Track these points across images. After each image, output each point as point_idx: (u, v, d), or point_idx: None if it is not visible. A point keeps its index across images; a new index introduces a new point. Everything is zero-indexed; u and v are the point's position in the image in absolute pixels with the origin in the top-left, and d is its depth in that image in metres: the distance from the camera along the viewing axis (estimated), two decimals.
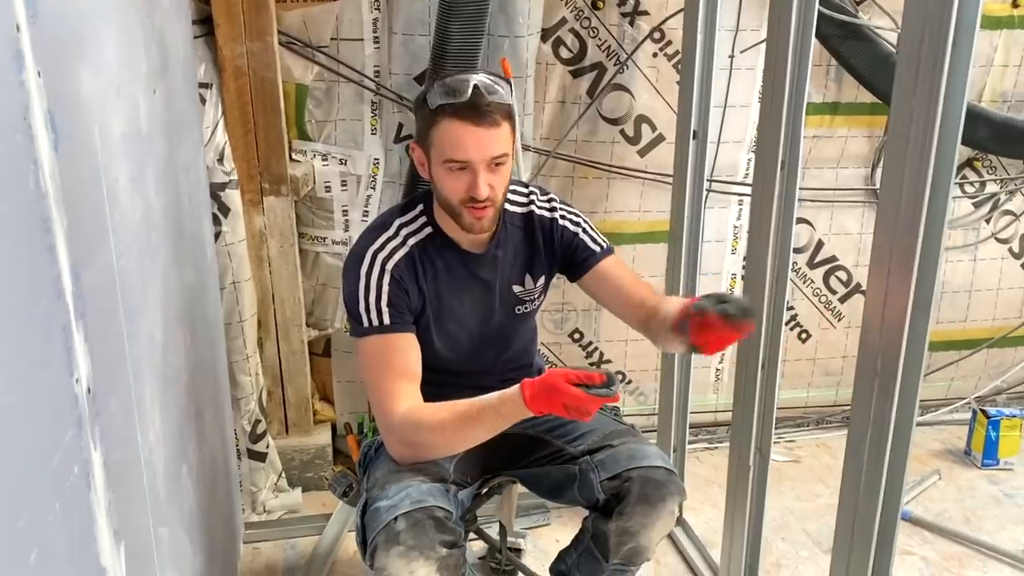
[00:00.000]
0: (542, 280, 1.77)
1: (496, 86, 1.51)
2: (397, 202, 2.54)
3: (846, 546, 1.55)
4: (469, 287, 1.69)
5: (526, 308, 1.77)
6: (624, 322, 1.79)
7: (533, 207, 1.74)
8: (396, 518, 1.44)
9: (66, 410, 0.82)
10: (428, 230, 1.66)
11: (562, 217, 1.75)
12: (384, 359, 1.59)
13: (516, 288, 1.74)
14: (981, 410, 2.84)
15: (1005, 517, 2.54)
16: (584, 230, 1.76)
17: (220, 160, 2.21)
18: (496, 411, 1.47)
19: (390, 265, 1.60)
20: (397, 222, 1.66)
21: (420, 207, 1.68)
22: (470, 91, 1.48)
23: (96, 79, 1.03)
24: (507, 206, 1.69)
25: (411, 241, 1.64)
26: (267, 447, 2.48)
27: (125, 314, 1.11)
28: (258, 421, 2.43)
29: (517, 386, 1.43)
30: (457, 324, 1.70)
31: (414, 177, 2.35)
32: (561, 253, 1.75)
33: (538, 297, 1.78)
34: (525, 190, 1.76)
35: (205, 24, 2.20)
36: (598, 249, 1.76)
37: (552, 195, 1.78)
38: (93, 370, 0.90)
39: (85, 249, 0.91)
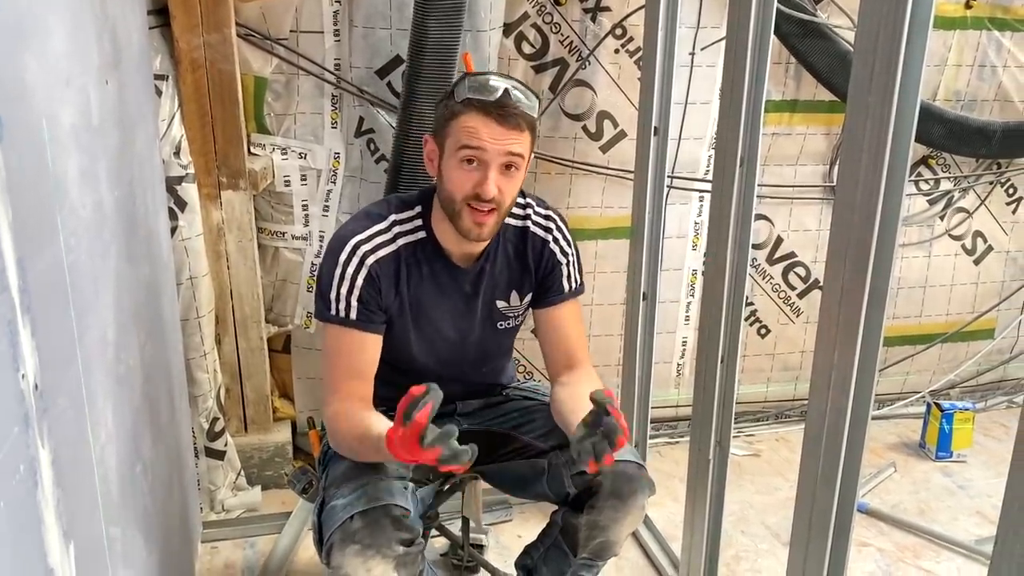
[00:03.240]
0: (528, 297, 1.75)
1: (525, 97, 1.50)
2: (358, 197, 2.53)
3: (804, 538, 1.57)
4: (451, 299, 1.68)
5: (508, 324, 1.76)
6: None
7: (529, 222, 1.71)
8: (352, 516, 1.43)
9: (11, 406, 0.80)
10: (421, 234, 1.63)
11: (554, 241, 1.72)
12: (342, 354, 1.59)
13: (500, 304, 1.72)
14: (935, 404, 2.89)
15: (958, 508, 2.59)
16: (568, 263, 1.74)
17: (176, 153, 2.17)
18: (376, 445, 1.39)
19: (370, 260, 1.58)
20: (392, 218, 1.63)
21: (419, 208, 1.65)
22: (500, 93, 1.47)
23: (43, 68, 1.00)
24: None
25: (401, 241, 1.62)
26: (225, 445, 2.45)
27: (76, 309, 1.08)
28: (216, 419, 2.40)
29: (386, 431, 1.34)
30: (435, 331, 1.69)
31: (397, 170, 2.30)
32: (538, 276, 1.74)
33: (522, 313, 1.77)
34: (523, 200, 1.71)
35: (161, 15, 2.15)
36: (567, 289, 1.74)
37: (551, 211, 1.75)
38: (41, 366, 0.88)
39: (32, 242, 0.89)
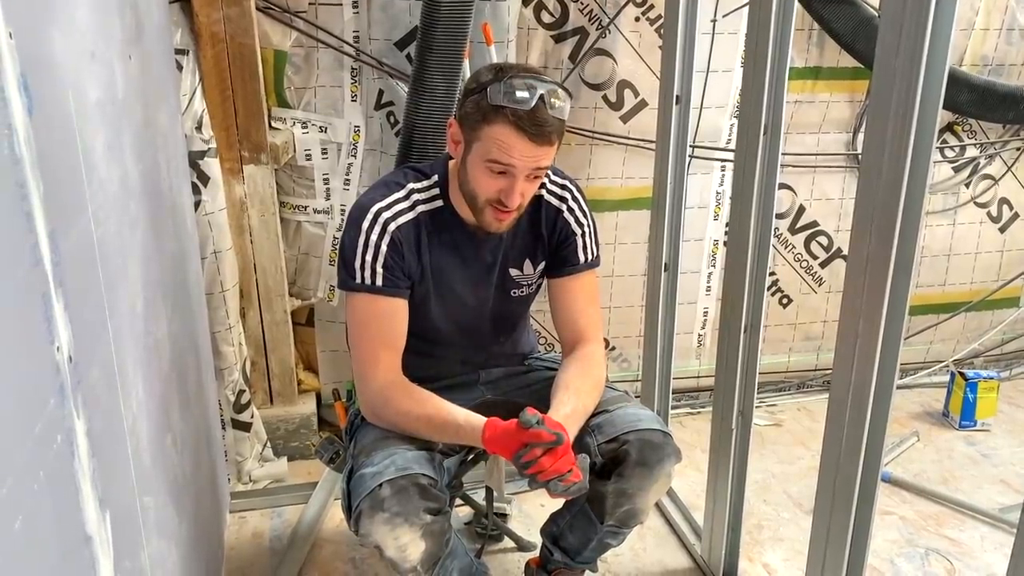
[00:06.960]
0: (542, 266, 1.75)
1: (558, 100, 1.47)
2: (379, 170, 2.53)
3: (827, 506, 1.58)
4: (470, 267, 1.69)
5: (522, 292, 1.76)
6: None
7: (544, 191, 1.70)
8: (381, 485, 1.45)
9: (48, 379, 0.82)
10: (439, 203, 1.64)
11: (569, 211, 1.71)
12: (372, 323, 1.60)
13: (513, 272, 1.73)
14: (959, 372, 2.88)
15: (982, 477, 2.58)
16: (583, 234, 1.73)
17: (198, 128, 2.18)
18: (457, 430, 1.53)
19: (392, 227, 1.59)
20: (410, 186, 1.64)
21: (435, 178, 1.65)
22: (535, 102, 1.44)
23: (69, 43, 1.01)
24: None
25: (420, 208, 1.63)
26: (251, 417, 2.48)
27: (105, 283, 1.09)
28: (242, 391, 2.43)
29: (483, 421, 1.50)
30: (455, 298, 1.70)
31: (408, 142, 2.30)
32: (552, 246, 1.74)
33: (535, 282, 1.77)
34: None
35: None
36: (582, 260, 1.73)
37: (567, 181, 1.73)
38: (74, 339, 0.89)
39: (63, 216, 0.90)
